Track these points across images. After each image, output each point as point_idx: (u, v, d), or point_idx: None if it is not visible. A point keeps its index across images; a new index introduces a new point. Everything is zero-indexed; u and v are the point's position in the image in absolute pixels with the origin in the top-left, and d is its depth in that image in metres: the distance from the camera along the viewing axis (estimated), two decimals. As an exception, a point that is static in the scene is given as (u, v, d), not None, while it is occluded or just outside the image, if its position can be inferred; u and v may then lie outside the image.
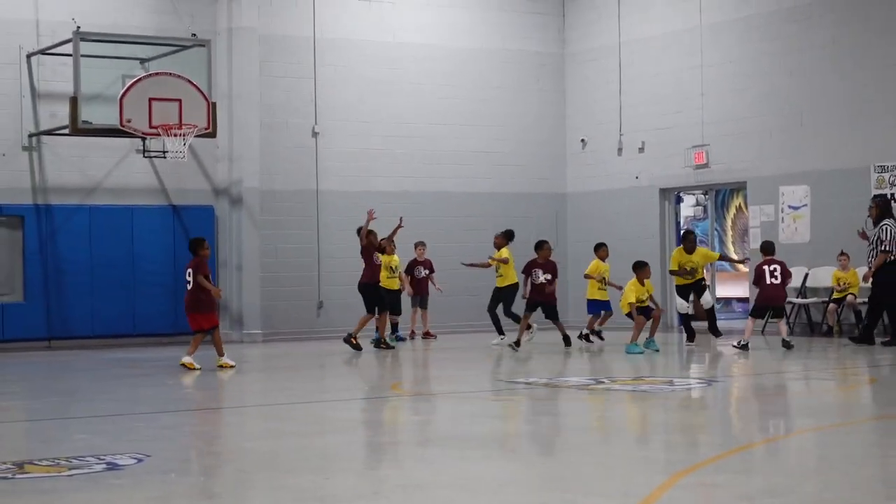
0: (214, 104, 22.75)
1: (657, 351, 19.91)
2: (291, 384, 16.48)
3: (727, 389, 15.01)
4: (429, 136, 26.85)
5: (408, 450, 10.39)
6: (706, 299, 21.32)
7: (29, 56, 23.29)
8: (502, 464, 9.26)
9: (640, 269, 20.68)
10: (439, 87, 27.07)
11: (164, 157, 22.83)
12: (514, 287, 22.16)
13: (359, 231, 21.71)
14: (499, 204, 27.40)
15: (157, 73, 22.43)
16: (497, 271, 22.70)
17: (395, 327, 23.59)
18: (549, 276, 21.06)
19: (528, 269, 21.32)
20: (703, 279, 21.62)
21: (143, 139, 22.61)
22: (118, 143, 23.54)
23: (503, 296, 22.53)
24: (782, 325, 20.40)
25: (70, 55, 22.12)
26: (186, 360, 17.92)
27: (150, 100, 21.83)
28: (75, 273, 23.50)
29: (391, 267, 23.16)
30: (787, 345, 19.77)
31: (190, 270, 18.15)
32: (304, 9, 25.70)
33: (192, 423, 12.25)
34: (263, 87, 25.16)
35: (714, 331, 21.40)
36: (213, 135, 23.00)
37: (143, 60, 23.71)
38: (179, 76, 22.29)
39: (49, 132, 23.20)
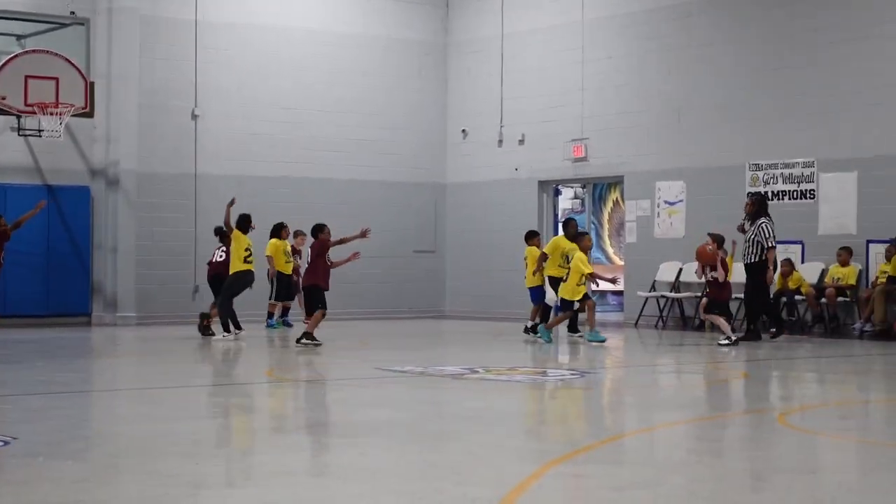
0: (93, 84, 22.48)
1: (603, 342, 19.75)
2: (164, 368, 16.33)
3: (600, 381, 15.15)
4: (310, 122, 26.75)
5: (279, 436, 10.34)
6: (548, 295, 21.14)
7: None
8: (374, 452, 9.25)
9: (582, 238, 20.33)
10: (322, 73, 26.98)
11: (40, 136, 22.52)
12: (237, 276, 20.49)
13: (217, 231, 21.46)
14: (379, 192, 27.41)
15: (33, 51, 22.12)
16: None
17: (285, 311, 23.38)
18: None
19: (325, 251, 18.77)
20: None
21: (19, 117, 22.26)
22: (-8, 121, 23.15)
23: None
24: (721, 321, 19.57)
25: (-58, 28, 21.74)
26: None
27: (27, 77, 21.53)
28: (-55, 251, 23.05)
29: (287, 251, 22.87)
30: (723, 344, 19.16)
31: None
32: (186, -10, 25.48)
33: (62, 405, 12.08)
34: (143, 69, 24.88)
35: (573, 329, 21.18)
36: (90, 114, 22.73)
37: (19, 37, 23.33)
38: (57, 54, 22.00)
39: (-81, 107, 22.75)
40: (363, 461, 8.80)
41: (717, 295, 19.56)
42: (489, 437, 10.01)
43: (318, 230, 18.69)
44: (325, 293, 18.70)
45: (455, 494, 7.54)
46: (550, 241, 21.52)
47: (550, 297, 21.14)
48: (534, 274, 20.90)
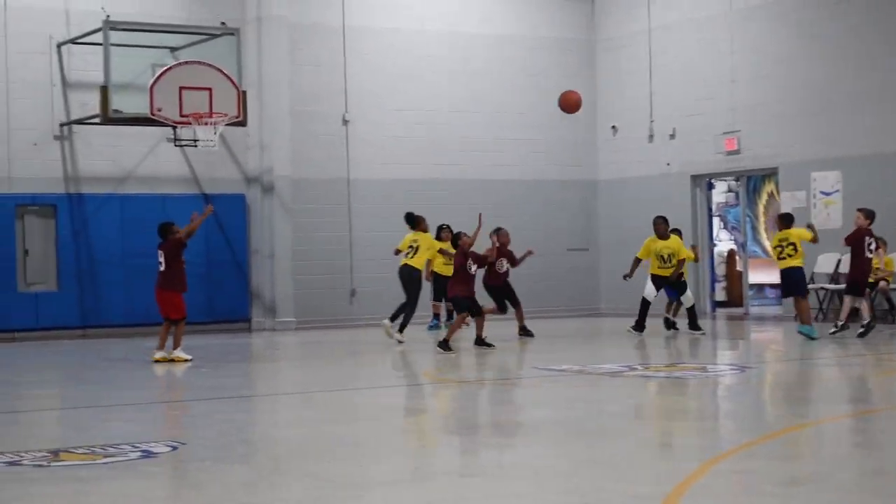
0: (244, 92, 22.77)
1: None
2: (324, 372, 16.51)
3: (761, 376, 14.96)
4: (459, 124, 26.82)
5: (440, 437, 10.39)
6: (687, 297, 20.87)
7: (59, 45, 23.38)
8: (535, 450, 9.25)
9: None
10: (469, 75, 27.03)
11: (195, 146, 22.85)
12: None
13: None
14: (530, 191, 27.39)
15: (186, 62, 22.46)
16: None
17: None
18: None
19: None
20: (683, 274, 21.07)
21: (174, 128, 22.64)
22: (149, 132, 23.61)
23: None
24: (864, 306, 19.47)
25: (100, 44, 22.19)
26: (177, 353, 17.52)
27: (181, 88, 21.86)
28: (108, 262, 23.60)
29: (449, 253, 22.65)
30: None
31: (162, 252, 17.85)
32: (333, -3, 25.74)
33: (226, 410, 12.28)
34: (293, 76, 25.17)
35: (694, 327, 20.59)
36: (243, 123, 23.01)
37: (172, 49, 23.76)
38: (209, 65, 22.31)
39: (80, 121, 23.29)
40: (524, 460, 8.81)
41: (862, 276, 19.28)
42: (650, 435, 9.96)
43: (457, 238, 18.84)
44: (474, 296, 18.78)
45: (617, 492, 7.52)
46: (644, 245, 21.19)
47: (650, 291, 20.97)
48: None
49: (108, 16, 22.40)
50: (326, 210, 25.50)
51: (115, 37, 22.33)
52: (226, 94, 22.24)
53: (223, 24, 23.80)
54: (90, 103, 22.96)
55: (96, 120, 22.65)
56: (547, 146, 27.77)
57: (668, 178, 26.88)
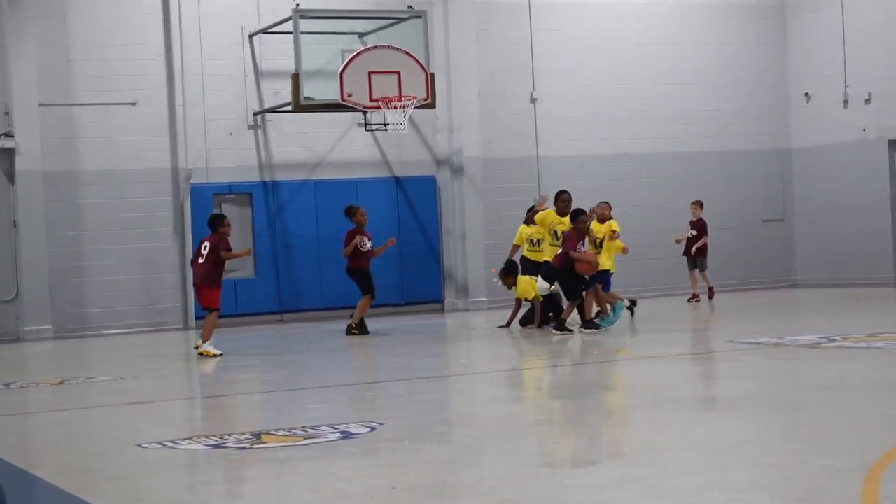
0: (433, 75, 22.87)
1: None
2: (517, 350, 16.53)
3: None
4: (648, 97, 26.55)
5: (638, 413, 10.33)
6: (541, 285, 18.30)
7: (251, 36, 23.81)
8: (734, 424, 9.15)
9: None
10: (657, 47, 26.72)
11: (386, 130, 23.04)
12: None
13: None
14: (721, 162, 27.01)
15: (375, 47, 22.64)
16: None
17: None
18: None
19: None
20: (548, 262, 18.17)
21: (365, 112, 22.86)
22: (340, 118, 23.91)
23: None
24: None
25: (290, 33, 22.51)
26: (207, 347, 16.95)
27: (370, 73, 22.04)
28: (303, 247, 23.99)
29: (531, 240, 20.20)
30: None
31: (207, 244, 16.92)
32: (518, -26, 25.68)
33: (422, 390, 12.39)
34: (480, 55, 25.22)
35: (542, 321, 18.48)
36: (432, 105, 23.11)
37: (361, 34, 24.01)
38: (397, 48, 22.46)
39: (273, 109, 23.70)
40: (724, 434, 8.71)
41: None
42: (851, 407, 9.76)
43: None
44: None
45: (819, 465, 7.39)
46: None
47: (543, 286, 18.33)
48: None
49: (297, 4, 22.74)
50: (516, 189, 25.50)
51: (305, 25, 22.63)
52: (414, 77, 22.36)
53: (410, 7, 23.95)
54: (282, 91, 23.35)
55: (288, 108, 23.01)
56: (737, 116, 27.32)
57: (864, 143, 26.26)
